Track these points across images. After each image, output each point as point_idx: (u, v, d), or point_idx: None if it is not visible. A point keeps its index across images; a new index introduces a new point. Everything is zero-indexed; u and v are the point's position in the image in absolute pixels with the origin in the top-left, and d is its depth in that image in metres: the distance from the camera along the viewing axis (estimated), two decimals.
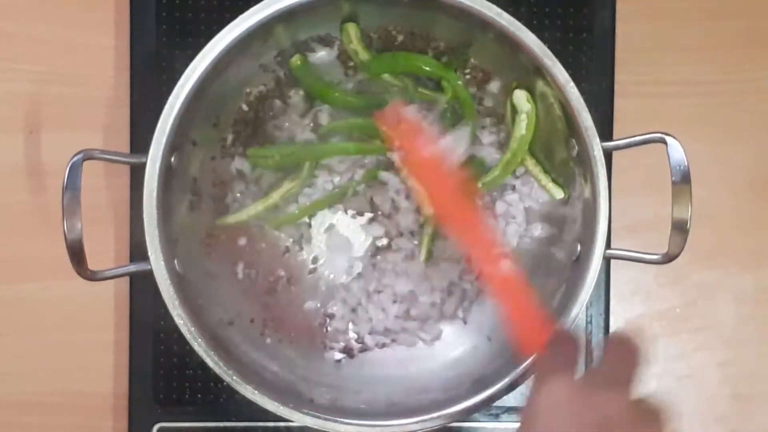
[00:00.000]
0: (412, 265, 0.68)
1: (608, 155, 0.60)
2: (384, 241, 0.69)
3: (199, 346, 0.59)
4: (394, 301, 0.68)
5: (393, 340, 0.69)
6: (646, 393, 0.49)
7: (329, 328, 0.69)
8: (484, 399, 0.60)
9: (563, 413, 0.47)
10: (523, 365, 0.59)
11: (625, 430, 0.46)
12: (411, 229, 0.68)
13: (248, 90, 0.68)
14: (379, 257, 0.69)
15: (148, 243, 0.59)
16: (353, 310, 0.69)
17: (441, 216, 0.63)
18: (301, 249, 0.69)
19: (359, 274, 0.69)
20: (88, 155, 0.57)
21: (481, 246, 0.60)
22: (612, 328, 0.70)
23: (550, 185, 0.66)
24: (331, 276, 0.69)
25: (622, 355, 0.50)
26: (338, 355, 0.68)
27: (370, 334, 0.68)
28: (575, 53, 0.69)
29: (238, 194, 0.68)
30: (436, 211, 0.64)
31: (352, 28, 0.66)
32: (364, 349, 0.69)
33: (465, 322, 0.69)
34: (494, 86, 0.68)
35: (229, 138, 0.68)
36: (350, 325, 0.69)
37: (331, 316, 0.69)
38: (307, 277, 0.69)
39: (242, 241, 0.68)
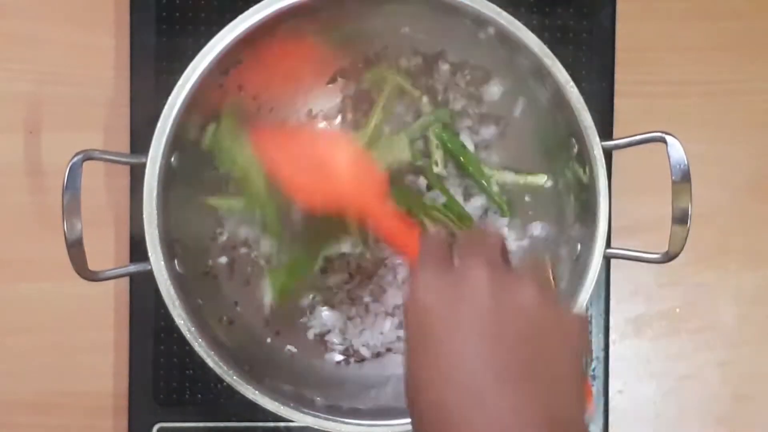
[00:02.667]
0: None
1: (608, 155, 0.60)
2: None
3: (200, 346, 0.59)
4: (387, 314, 0.68)
5: (388, 350, 0.68)
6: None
7: (326, 339, 0.69)
8: None
9: (433, 298, 0.46)
10: None
11: (491, 296, 0.45)
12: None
13: None
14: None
15: (148, 243, 0.59)
16: (345, 325, 0.68)
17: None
18: None
19: (348, 292, 0.69)
20: (88, 155, 0.57)
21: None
22: (612, 329, 0.70)
23: (529, 179, 0.67)
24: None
25: (476, 237, 0.51)
26: (338, 357, 0.68)
27: (364, 345, 0.68)
28: (575, 53, 0.69)
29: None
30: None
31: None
32: (361, 359, 0.68)
33: None
34: (493, 86, 0.68)
35: None
36: (343, 338, 0.68)
37: (325, 332, 0.68)
38: None
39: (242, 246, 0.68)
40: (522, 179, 0.67)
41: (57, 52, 0.71)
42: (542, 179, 0.67)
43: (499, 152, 0.69)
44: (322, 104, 0.68)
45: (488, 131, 0.68)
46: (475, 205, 0.68)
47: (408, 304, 0.47)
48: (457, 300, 0.45)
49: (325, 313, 0.68)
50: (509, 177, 0.68)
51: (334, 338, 0.68)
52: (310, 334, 0.68)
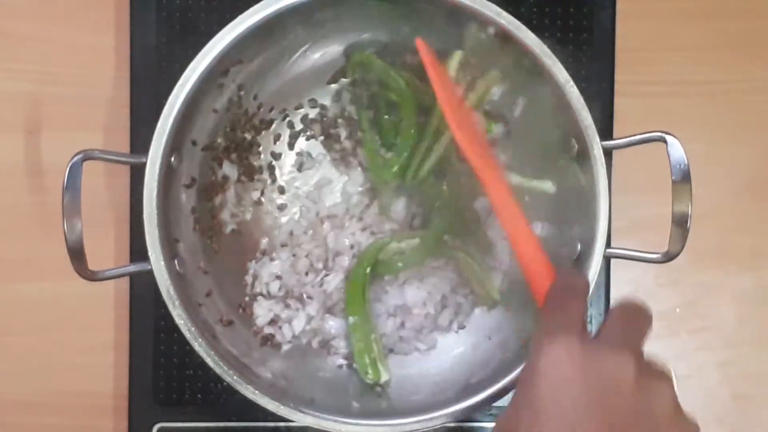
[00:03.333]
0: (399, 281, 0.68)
1: (608, 154, 0.60)
2: None
3: (200, 346, 0.59)
4: (389, 315, 0.68)
5: (390, 351, 0.68)
6: (651, 354, 0.48)
7: (330, 344, 0.68)
8: (484, 399, 0.60)
9: (568, 377, 0.44)
10: (523, 365, 0.59)
11: (632, 395, 0.44)
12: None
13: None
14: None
15: (148, 243, 0.59)
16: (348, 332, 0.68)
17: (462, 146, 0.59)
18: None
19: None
20: (88, 155, 0.57)
21: (491, 175, 0.58)
22: None
23: (534, 183, 0.66)
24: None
25: (631, 319, 0.49)
26: (341, 361, 0.68)
27: None
28: (575, 53, 0.70)
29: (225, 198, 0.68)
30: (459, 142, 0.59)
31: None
32: None
33: (464, 327, 0.69)
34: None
35: (222, 142, 0.67)
36: (347, 343, 0.68)
37: (330, 339, 0.68)
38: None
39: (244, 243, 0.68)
40: (527, 183, 0.67)
41: (57, 52, 0.71)
42: (548, 185, 0.66)
43: (499, 153, 0.68)
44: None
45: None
46: (475, 206, 0.68)
47: (542, 366, 0.45)
48: (598, 388, 0.44)
49: (330, 323, 0.68)
50: (514, 179, 0.67)
51: (337, 343, 0.68)
52: (315, 343, 0.68)
